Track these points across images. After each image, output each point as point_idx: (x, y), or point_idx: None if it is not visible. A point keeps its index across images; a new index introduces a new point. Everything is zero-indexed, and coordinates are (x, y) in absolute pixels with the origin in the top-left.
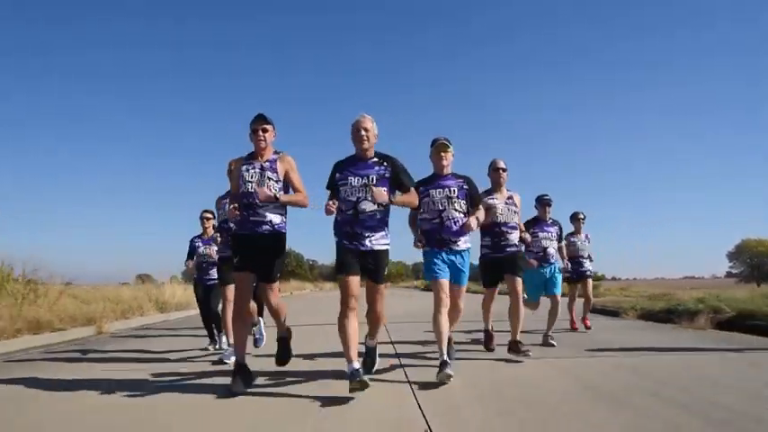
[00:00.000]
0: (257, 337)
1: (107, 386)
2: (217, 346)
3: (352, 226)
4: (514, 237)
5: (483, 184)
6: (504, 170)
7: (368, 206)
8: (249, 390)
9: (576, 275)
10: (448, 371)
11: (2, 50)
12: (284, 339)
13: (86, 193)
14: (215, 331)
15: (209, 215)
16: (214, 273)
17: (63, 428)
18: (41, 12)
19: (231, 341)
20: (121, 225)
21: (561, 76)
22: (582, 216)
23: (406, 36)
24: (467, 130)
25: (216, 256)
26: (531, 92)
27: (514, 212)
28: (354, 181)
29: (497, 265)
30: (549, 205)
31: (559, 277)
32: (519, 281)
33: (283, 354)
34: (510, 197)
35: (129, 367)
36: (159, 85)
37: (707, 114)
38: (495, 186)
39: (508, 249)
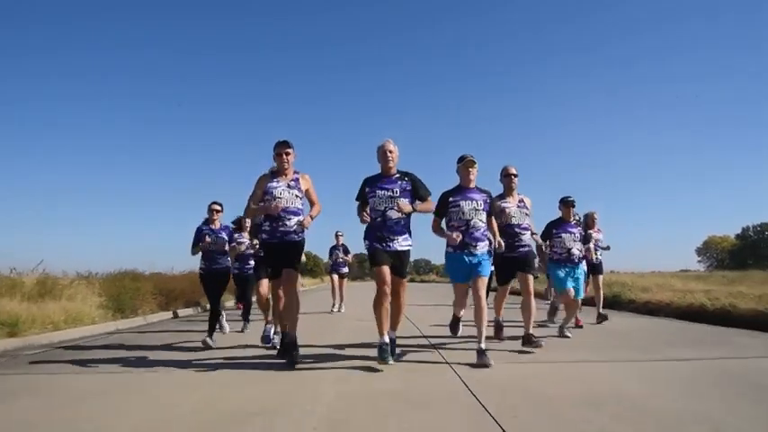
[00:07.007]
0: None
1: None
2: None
3: (381, 230)
4: (526, 237)
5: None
6: (515, 176)
7: (393, 214)
8: (304, 367)
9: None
10: (485, 359)
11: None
12: (291, 344)
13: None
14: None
15: (218, 207)
16: (224, 261)
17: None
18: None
19: (278, 327)
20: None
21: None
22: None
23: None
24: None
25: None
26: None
27: (526, 215)
28: (382, 193)
29: (511, 264)
30: (573, 206)
31: (583, 279)
32: (530, 278)
33: (288, 353)
34: (521, 200)
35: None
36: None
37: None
38: (507, 191)
39: (521, 249)
